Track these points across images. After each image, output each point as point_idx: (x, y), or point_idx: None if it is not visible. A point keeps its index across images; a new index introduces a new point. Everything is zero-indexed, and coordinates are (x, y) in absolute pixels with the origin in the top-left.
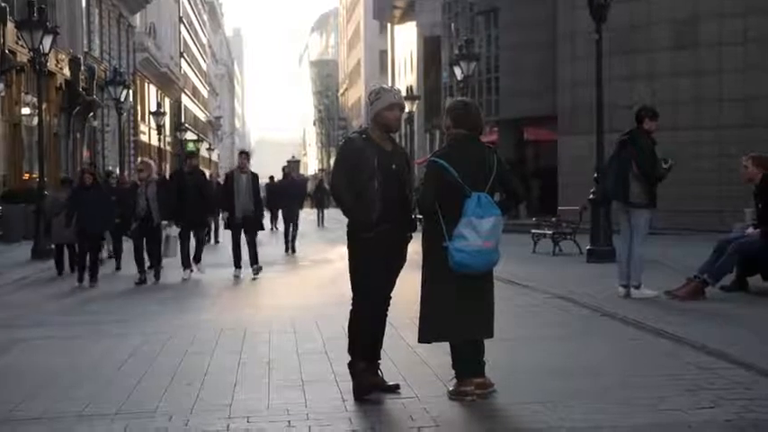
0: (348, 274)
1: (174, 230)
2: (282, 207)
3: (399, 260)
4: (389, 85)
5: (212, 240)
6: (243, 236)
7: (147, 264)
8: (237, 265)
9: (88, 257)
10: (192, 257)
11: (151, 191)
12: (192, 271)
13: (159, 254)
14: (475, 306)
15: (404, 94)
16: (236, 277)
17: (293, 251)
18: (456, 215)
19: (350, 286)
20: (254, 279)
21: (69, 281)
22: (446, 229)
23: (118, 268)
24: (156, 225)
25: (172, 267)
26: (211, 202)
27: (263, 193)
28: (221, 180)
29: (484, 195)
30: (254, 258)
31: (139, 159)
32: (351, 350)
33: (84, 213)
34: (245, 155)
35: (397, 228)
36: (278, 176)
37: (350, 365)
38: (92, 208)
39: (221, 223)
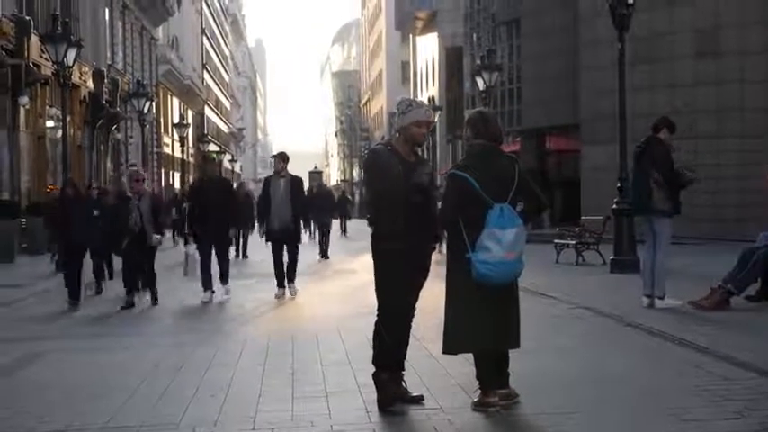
0: (371, 285)
1: (193, 248)
2: (314, 217)
3: (423, 272)
4: (414, 97)
5: (240, 255)
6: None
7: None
8: (280, 284)
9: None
10: (219, 277)
11: (144, 204)
12: (213, 293)
13: (154, 274)
14: (500, 317)
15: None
16: (278, 297)
17: (326, 257)
18: (478, 227)
19: (373, 297)
20: (292, 295)
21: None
22: (469, 241)
23: (98, 292)
24: (149, 245)
25: (187, 288)
26: (236, 215)
27: None
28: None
29: (506, 206)
30: (291, 274)
31: (132, 168)
32: (375, 361)
33: (67, 228)
34: (279, 157)
35: (422, 240)
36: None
37: (374, 376)
38: (75, 222)
39: (255, 235)
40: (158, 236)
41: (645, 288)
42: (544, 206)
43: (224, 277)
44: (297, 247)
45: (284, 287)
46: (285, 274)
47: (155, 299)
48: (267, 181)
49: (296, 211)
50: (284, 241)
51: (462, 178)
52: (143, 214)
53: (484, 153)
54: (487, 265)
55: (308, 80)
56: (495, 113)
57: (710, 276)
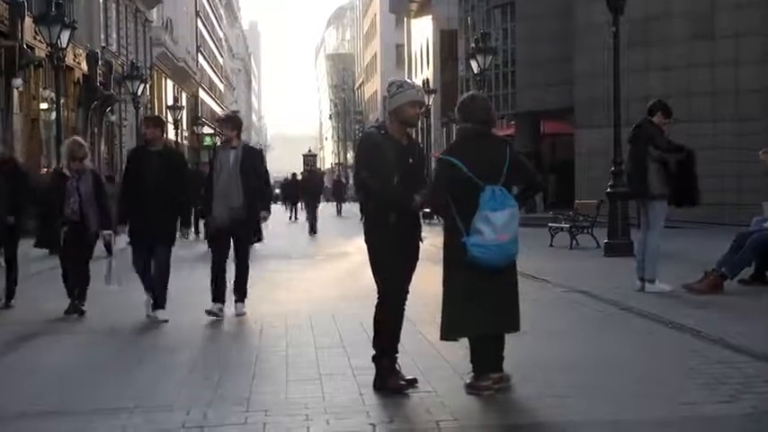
0: (365, 268)
1: (122, 241)
2: (305, 199)
3: (415, 254)
4: (408, 79)
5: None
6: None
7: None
8: (216, 297)
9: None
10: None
11: (85, 185)
12: (153, 302)
13: (88, 274)
14: (498, 301)
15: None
16: (212, 314)
17: (314, 232)
18: (471, 210)
19: (367, 280)
20: (237, 316)
21: None
22: (462, 225)
23: (9, 299)
24: (92, 233)
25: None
26: (188, 198)
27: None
28: None
29: (498, 188)
30: (241, 287)
31: (69, 139)
32: (375, 343)
33: None
34: (227, 121)
35: (414, 222)
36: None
37: (374, 359)
38: None
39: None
40: (107, 232)
41: (637, 271)
42: (539, 187)
43: (158, 300)
44: (248, 246)
45: (222, 302)
46: (224, 286)
47: (81, 306)
48: (214, 153)
49: (249, 196)
50: (232, 237)
51: (451, 162)
52: (83, 198)
53: (473, 136)
54: (480, 248)
55: (302, 63)
56: (486, 97)
57: (705, 260)
